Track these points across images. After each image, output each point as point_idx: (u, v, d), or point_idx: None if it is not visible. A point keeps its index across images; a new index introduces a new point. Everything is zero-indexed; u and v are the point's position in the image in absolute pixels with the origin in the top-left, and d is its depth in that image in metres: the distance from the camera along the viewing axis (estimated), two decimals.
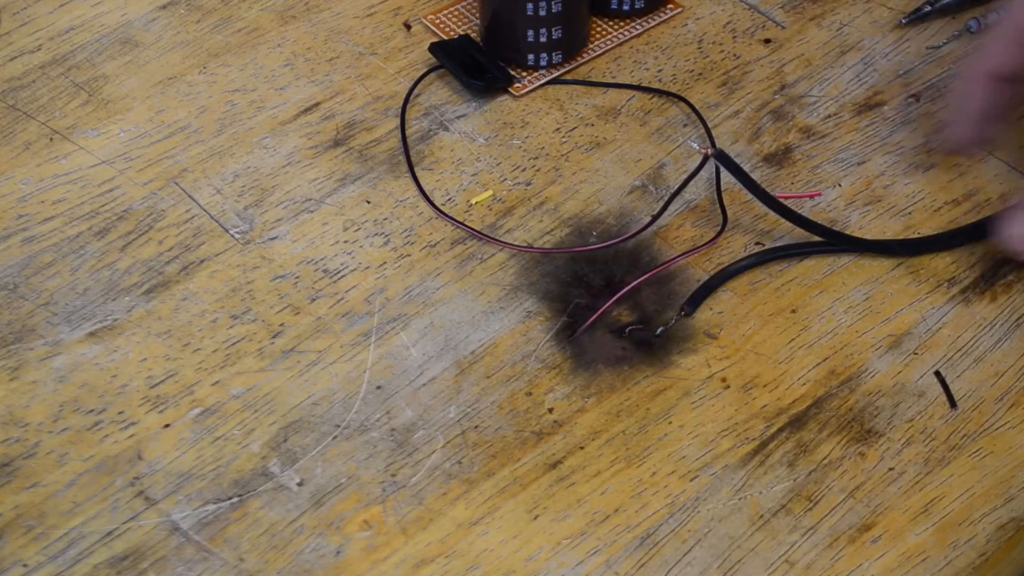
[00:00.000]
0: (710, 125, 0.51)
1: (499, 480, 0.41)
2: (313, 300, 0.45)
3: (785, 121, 0.52)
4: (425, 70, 0.52)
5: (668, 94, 0.52)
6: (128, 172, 0.49)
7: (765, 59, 0.54)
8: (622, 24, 0.55)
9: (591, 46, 0.54)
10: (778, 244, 0.47)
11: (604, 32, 0.54)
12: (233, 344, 0.44)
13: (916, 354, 0.44)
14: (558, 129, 0.51)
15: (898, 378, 0.44)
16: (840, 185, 0.49)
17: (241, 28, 0.54)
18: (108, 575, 0.38)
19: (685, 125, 0.51)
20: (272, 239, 0.47)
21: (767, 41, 0.55)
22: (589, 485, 0.41)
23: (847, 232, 0.48)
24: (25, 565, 0.38)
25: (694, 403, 0.43)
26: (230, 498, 0.40)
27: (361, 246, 0.47)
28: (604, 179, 0.49)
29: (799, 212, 0.47)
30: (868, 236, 0.48)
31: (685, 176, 0.49)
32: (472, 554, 0.39)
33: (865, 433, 0.42)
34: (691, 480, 0.41)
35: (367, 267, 0.46)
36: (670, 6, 0.56)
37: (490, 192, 0.49)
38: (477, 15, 0.54)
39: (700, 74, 0.53)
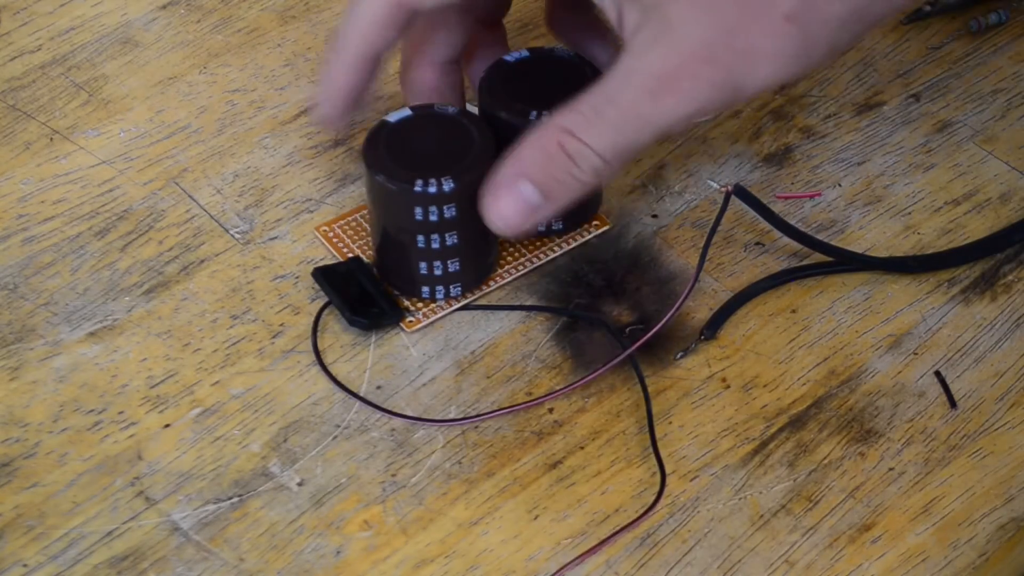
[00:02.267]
0: (709, 125, 0.51)
1: (499, 480, 0.41)
2: (313, 300, 0.45)
3: (785, 121, 0.52)
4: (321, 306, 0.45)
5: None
6: (128, 172, 0.49)
7: None
8: (539, 246, 0.47)
9: (500, 272, 0.46)
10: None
11: (517, 255, 0.46)
12: (233, 344, 0.44)
13: (916, 354, 0.44)
14: None
15: (898, 378, 0.44)
16: (840, 185, 0.49)
17: (241, 28, 0.54)
18: (108, 575, 0.38)
19: None
20: (272, 239, 0.47)
21: None
22: (589, 485, 0.41)
23: (847, 231, 0.48)
24: (25, 565, 0.38)
25: (694, 403, 0.43)
26: (230, 498, 0.40)
27: None
28: None
29: (826, 241, 0.46)
30: (868, 236, 0.48)
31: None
32: (472, 554, 0.39)
33: (865, 433, 0.42)
34: (691, 480, 0.41)
35: None
36: (596, 223, 0.47)
37: None
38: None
39: None
